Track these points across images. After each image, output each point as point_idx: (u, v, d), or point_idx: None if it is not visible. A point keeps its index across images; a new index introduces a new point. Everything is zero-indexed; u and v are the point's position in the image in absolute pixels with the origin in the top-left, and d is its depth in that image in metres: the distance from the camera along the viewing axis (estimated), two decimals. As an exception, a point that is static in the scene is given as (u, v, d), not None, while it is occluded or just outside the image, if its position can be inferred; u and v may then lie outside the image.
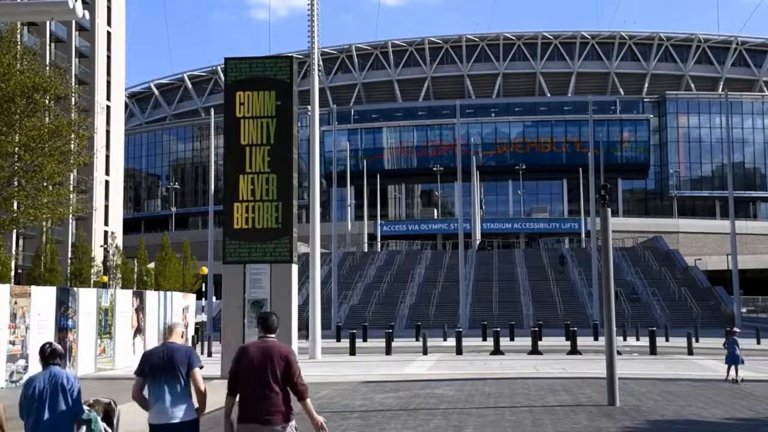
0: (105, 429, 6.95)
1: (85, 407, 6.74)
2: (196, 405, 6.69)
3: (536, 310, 46.70)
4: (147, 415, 6.68)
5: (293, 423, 6.33)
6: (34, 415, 6.35)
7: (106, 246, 62.50)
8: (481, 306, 48.24)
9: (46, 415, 6.34)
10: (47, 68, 35.59)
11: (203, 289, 49.88)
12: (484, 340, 34.27)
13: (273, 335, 6.50)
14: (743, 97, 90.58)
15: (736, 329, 18.57)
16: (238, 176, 19.71)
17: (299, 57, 28.62)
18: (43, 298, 19.18)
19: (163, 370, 6.56)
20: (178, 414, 6.51)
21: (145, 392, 6.68)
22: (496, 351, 27.36)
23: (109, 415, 7.19)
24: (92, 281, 53.89)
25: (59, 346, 6.68)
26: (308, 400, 6.36)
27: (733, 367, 17.79)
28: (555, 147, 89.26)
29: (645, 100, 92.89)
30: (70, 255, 60.79)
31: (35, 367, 18.62)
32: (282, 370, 6.29)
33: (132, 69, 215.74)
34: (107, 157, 71.54)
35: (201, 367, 6.74)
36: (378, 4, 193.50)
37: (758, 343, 32.17)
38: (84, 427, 6.62)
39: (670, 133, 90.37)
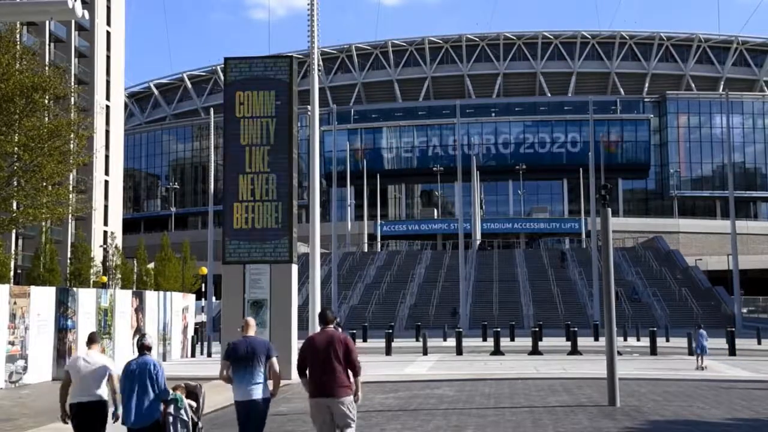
0: (190, 405, 8.21)
1: (170, 389, 8.08)
2: (271, 386, 8.24)
3: (536, 311, 46.65)
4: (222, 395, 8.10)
5: (351, 397, 7.81)
6: (128, 394, 7.80)
7: (105, 246, 62.48)
8: (482, 306, 48.20)
9: (136, 395, 7.80)
10: (46, 68, 35.52)
11: (203, 289, 49.83)
12: (485, 340, 34.24)
13: (331, 325, 8.02)
14: (744, 97, 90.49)
15: (702, 325, 23.40)
16: (238, 176, 19.67)
17: (299, 57, 28.54)
18: (43, 298, 19.14)
19: (246, 358, 8.13)
20: (257, 393, 8.12)
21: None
22: (497, 351, 27.33)
23: (196, 394, 8.46)
24: (92, 281, 53.87)
25: (151, 340, 8.13)
26: (360, 378, 8.02)
27: (701, 356, 20.96)
28: (555, 147, 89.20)
29: (645, 100, 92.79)
30: (69, 255, 60.73)
31: (35, 367, 18.58)
32: (343, 352, 7.80)
33: (131, 69, 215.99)
34: (107, 157, 71.52)
35: (276, 356, 8.27)
36: (378, 4, 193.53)
37: (759, 343, 32.12)
38: (172, 406, 7.96)
39: (671, 133, 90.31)
